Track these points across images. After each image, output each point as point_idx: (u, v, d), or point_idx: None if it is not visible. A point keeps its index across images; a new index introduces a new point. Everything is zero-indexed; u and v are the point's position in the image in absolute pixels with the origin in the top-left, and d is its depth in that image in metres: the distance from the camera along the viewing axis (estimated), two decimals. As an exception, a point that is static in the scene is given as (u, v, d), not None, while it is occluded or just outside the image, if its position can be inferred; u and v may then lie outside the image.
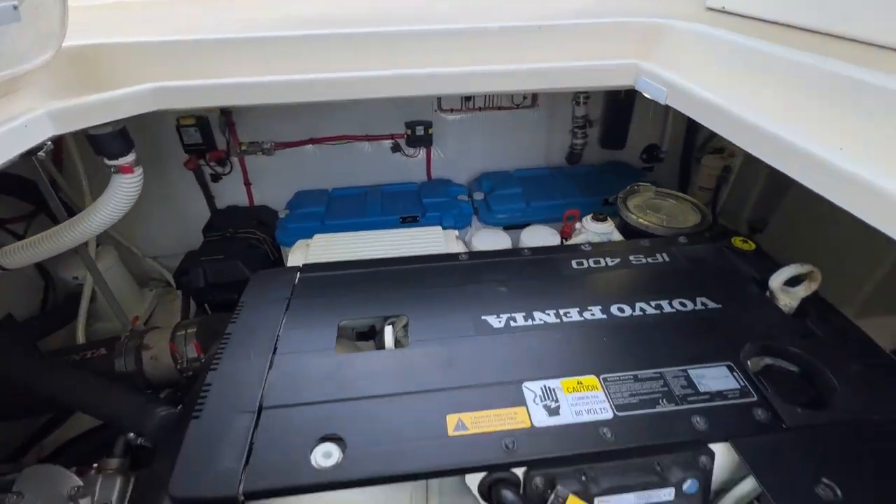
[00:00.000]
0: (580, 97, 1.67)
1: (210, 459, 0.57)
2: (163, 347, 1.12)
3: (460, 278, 0.87)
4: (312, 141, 1.69)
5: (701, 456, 0.60)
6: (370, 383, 0.67)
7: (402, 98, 1.63)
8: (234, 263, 1.41)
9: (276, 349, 0.73)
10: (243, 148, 1.65)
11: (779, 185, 1.50)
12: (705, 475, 0.60)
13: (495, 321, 0.77)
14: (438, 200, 1.60)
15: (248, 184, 1.74)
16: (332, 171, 1.75)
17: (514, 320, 0.77)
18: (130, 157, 0.93)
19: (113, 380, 1.08)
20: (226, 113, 1.58)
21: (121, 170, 0.92)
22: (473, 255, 0.95)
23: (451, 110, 1.70)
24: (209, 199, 1.73)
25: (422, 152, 1.78)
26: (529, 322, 0.77)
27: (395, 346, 0.77)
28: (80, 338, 1.45)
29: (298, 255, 1.01)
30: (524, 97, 1.70)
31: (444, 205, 1.57)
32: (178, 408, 0.90)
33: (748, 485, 0.59)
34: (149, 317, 1.75)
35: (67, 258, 1.54)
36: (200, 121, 1.55)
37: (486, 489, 0.59)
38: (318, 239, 1.05)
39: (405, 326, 0.79)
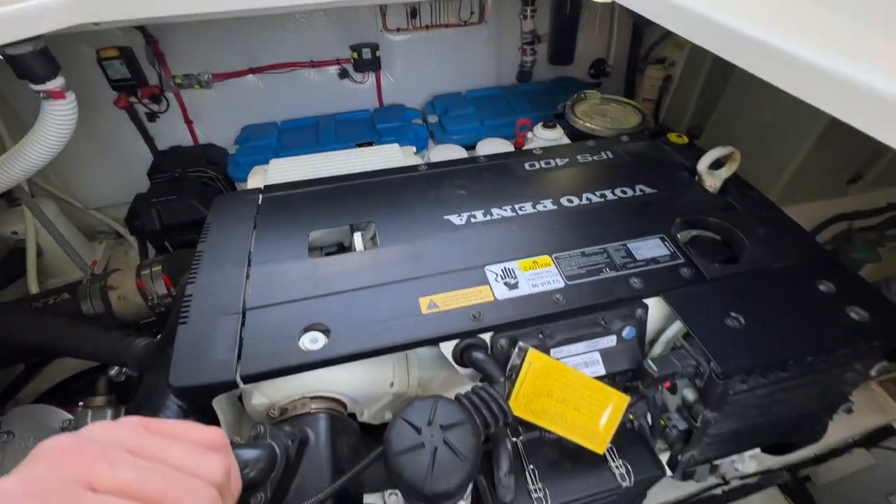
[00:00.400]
0: (527, 10, 1.65)
1: (204, 354, 0.62)
2: (129, 286, 1.12)
3: (421, 186, 0.91)
4: (253, 70, 1.60)
5: (637, 309, 0.71)
6: (346, 280, 0.72)
7: (343, 9, 1.55)
8: (188, 203, 1.38)
9: (250, 261, 0.76)
10: (178, 81, 1.54)
11: (713, 93, 1.59)
12: (641, 324, 0.72)
13: (457, 219, 0.83)
14: (393, 125, 1.59)
15: (189, 122, 1.65)
16: (278, 102, 1.68)
17: (475, 217, 0.83)
18: (59, 81, 0.86)
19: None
20: (151, 41, 1.46)
21: (52, 95, 0.86)
22: (432, 165, 0.98)
23: (398, 30, 1.64)
24: (148, 140, 1.64)
25: (371, 78, 1.73)
26: (488, 217, 0.83)
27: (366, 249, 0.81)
28: (34, 291, 1.40)
29: (257, 179, 1.00)
30: (471, 12, 1.66)
31: (399, 129, 1.57)
32: (158, 337, 0.93)
33: (675, 327, 0.71)
34: (104, 269, 1.70)
35: (2, 211, 1.44)
36: (124, 52, 1.42)
37: (459, 354, 0.67)
38: (276, 163, 1.04)
39: (373, 238, 0.84)
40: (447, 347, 0.68)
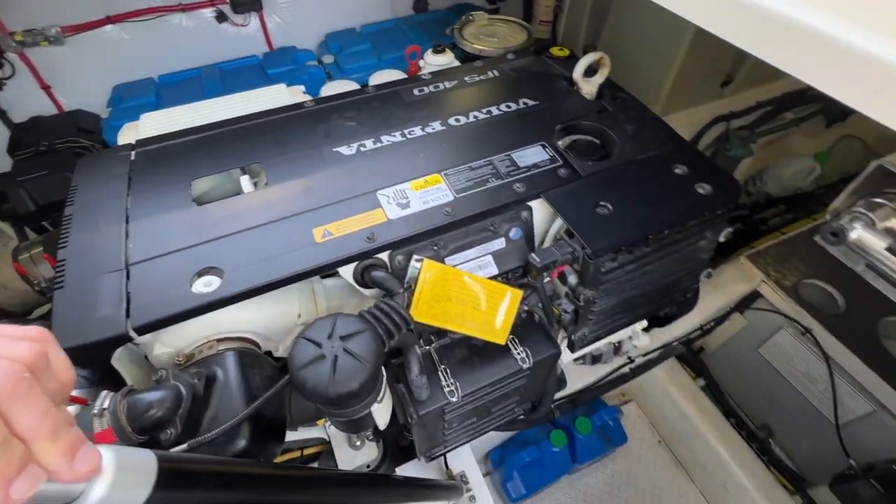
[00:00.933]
0: (412, -68, 1.56)
1: (88, 313, 0.59)
2: (8, 274, 1.02)
3: (309, 122, 0.89)
4: (111, 19, 1.41)
5: (522, 211, 0.77)
6: (236, 222, 0.71)
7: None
8: (63, 177, 1.24)
9: (128, 218, 0.72)
10: (18, 39, 1.33)
11: (602, 12, 1.64)
12: (527, 225, 0.78)
13: (346, 150, 0.83)
14: (285, 70, 1.50)
15: (46, 87, 1.45)
16: (150, 56, 1.51)
17: (364, 146, 0.83)
18: None
19: (-41, 318, 0.98)
20: (-29, -9, 1.23)
21: None
22: (319, 100, 0.95)
23: (274, -39, 1.50)
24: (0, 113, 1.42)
25: (254, 20, 1.59)
26: (378, 145, 0.84)
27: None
28: None
29: (128, 136, 0.92)
30: (352, -64, 1.55)
31: (293, 73, 1.48)
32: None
33: (558, 223, 0.78)
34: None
35: None
36: (-62, 8, 1.20)
37: (360, 275, 0.70)
38: (147, 118, 0.96)
39: (262, 179, 0.82)
40: (347, 271, 0.70)
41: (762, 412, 1.44)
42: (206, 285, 0.63)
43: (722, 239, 0.84)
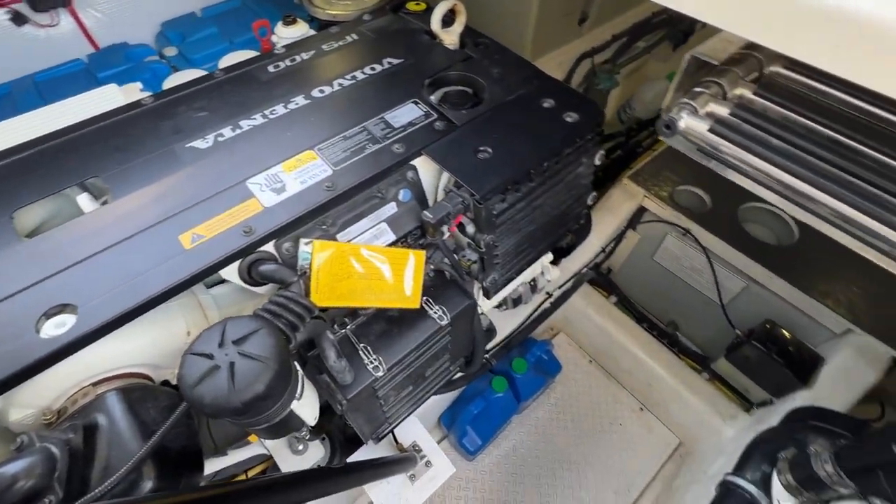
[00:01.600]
0: None
1: None
2: None
3: (151, 120, 0.78)
4: None
5: (407, 172, 0.75)
6: (83, 246, 0.61)
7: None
8: None
9: (-67, 273, 0.58)
10: None
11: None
12: (415, 184, 0.76)
13: (202, 143, 0.74)
14: (120, 70, 1.30)
15: None
16: (-66, 78, 1.23)
17: (222, 135, 0.75)
18: None
19: None
20: None
21: None
22: (160, 95, 0.84)
23: (69, -57, 1.27)
24: None
25: (64, 18, 1.35)
26: (238, 131, 0.76)
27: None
28: None
29: (-84, 176, 0.74)
30: None
31: (130, 72, 1.29)
32: None
33: (445, 176, 0.78)
34: None
35: None
36: None
37: (247, 274, 0.64)
38: (-61, 150, 0.78)
39: (104, 193, 0.71)
40: (232, 273, 0.64)
41: (667, 311, 1.62)
42: (58, 326, 0.54)
43: (597, 162, 0.89)
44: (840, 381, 1.10)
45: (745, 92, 0.53)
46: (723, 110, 0.53)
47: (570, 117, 0.81)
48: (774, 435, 0.87)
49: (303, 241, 0.64)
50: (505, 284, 0.92)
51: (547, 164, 0.78)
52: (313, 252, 0.64)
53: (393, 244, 0.74)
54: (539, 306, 1.37)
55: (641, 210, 1.50)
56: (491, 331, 1.22)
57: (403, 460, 0.93)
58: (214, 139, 0.75)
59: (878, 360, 1.12)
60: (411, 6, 1.06)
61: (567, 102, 0.83)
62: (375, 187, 0.72)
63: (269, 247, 0.65)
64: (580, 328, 1.62)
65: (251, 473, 1.04)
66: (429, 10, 1.05)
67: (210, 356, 0.51)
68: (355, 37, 0.97)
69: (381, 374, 0.70)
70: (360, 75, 0.87)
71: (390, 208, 0.73)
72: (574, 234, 1.09)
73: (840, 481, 0.67)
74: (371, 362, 0.71)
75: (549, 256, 1.09)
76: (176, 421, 0.53)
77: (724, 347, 1.34)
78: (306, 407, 0.65)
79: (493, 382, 1.30)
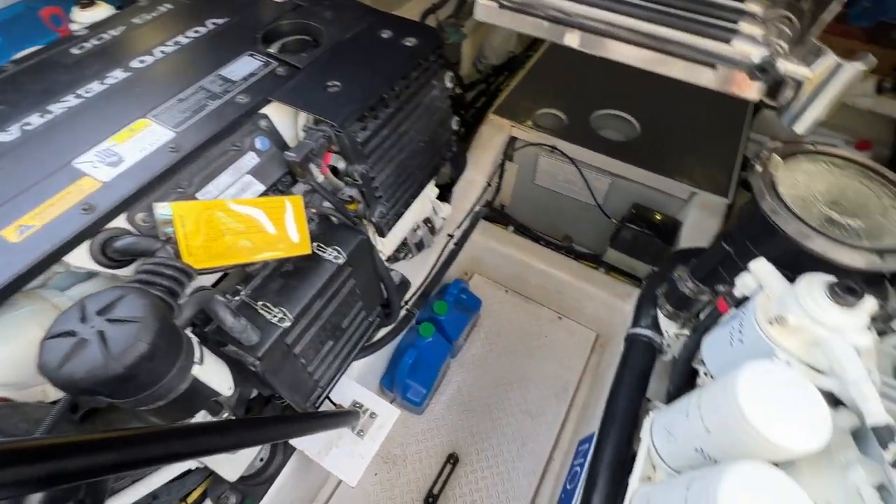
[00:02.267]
0: None
1: None
2: None
3: (-71, 127, 0.66)
4: None
5: (259, 121, 0.73)
6: None
7: None
8: None
9: None
10: None
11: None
12: (271, 132, 0.74)
13: (6, 137, 0.64)
14: None
15: None
16: None
17: (30, 124, 0.66)
18: None
19: None
20: None
21: None
22: (-65, 101, 0.70)
23: None
24: None
25: None
26: (49, 117, 0.67)
27: None
28: None
29: None
30: None
31: None
32: None
33: (302, 117, 0.77)
34: None
35: None
36: None
37: (102, 255, 0.58)
38: None
39: None
40: (82, 258, 0.57)
41: (559, 227, 1.77)
42: None
43: (448, 84, 0.94)
44: (695, 235, 1.31)
45: None
46: None
47: (410, 42, 0.84)
48: (651, 282, 1.02)
49: (156, 205, 0.60)
50: (395, 219, 0.94)
51: (398, 88, 0.80)
52: (173, 215, 0.60)
53: (265, 194, 0.72)
54: (444, 248, 1.42)
55: (512, 140, 1.61)
56: (404, 283, 1.25)
57: (344, 414, 0.93)
58: (20, 129, 0.65)
59: (718, 209, 1.35)
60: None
61: (405, 30, 0.86)
62: (228, 140, 0.69)
63: (121, 221, 0.60)
64: (490, 264, 1.71)
65: (190, 500, 0.96)
66: (246, -30, 1.01)
67: (72, 333, 0.46)
68: (169, 6, 0.90)
69: (287, 324, 0.69)
70: (183, 40, 0.81)
71: (251, 159, 0.71)
72: (451, 165, 1.14)
73: (698, 289, 0.81)
74: (275, 316, 0.69)
75: (435, 191, 1.13)
76: (57, 418, 0.47)
77: (608, 240, 1.51)
78: (213, 373, 0.61)
79: (420, 329, 1.32)
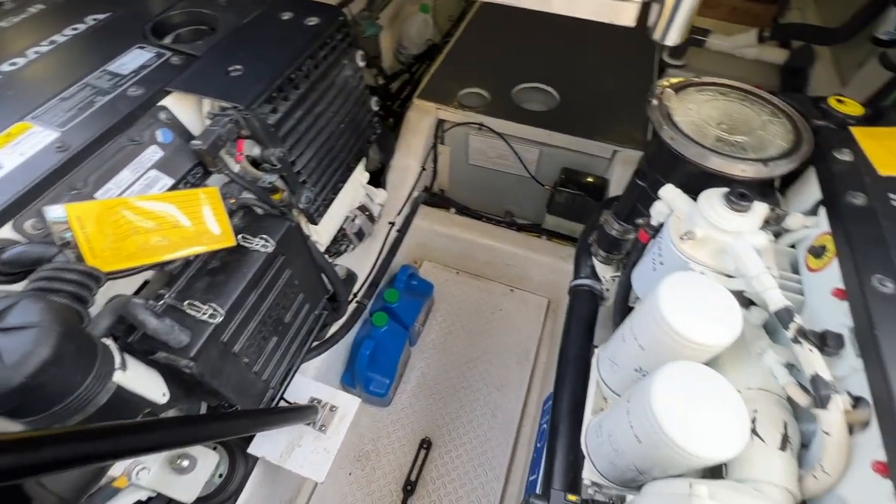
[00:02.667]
0: None
1: None
2: None
3: None
4: None
5: (158, 113, 0.69)
6: None
7: None
8: None
9: None
10: None
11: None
12: (174, 124, 0.70)
13: None
14: None
15: None
16: None
17: None
18: None
19: None
20: None
21: None
22: None
23: None
24: None
25: None
26: None
27: None
28: None
29: None
30: None
31: None
32: None
33: (206, 104, 0.73)
34: None
35: None
36: None
37: (-12, 271, 0.53)
38: None
39: None
40: (-37, 277, 0.51)
41: (499, 202, 1.81)
42: None
43: (360, 63, 0.93)
44: (622, 189, 1.39)
45: None
46: None
47: (311, 21, 0.82)
48: (584, 234, 1.07)
49: (46, 209, 0.55)
50: (326, 205, 0.92)
51: (306, 68, 0.78)
52: (69, 217, 0.55)
53: (174, 188, 0.68)
54: (387, 237, 1.41)
55: (441, 123, 1.62)
56: (351, 276, 1.22)
57: (299, 409, 0.90)
58: None
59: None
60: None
61: (306, 10, 0.84)
62: (124, 135, 0.64)
63: (8, 232, 0.54)
64: (436, 248, 1.72)
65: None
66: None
67: (-45, 351, 0.41)
68: (41, 6, 0.83)
69: (219, 319, 0.65)
70: (60, 38, 0.75)
71: (154, 152, 0.67)
72: (379, 148, 1.13)
73: (624, 229, 0.86)
74: (204, 313, 0.65)
75: (366, 176, 1.12)
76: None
77: (545, 205, 1.56)
78: (142, 379, 0.57)
79: (373, 319, 1.31)
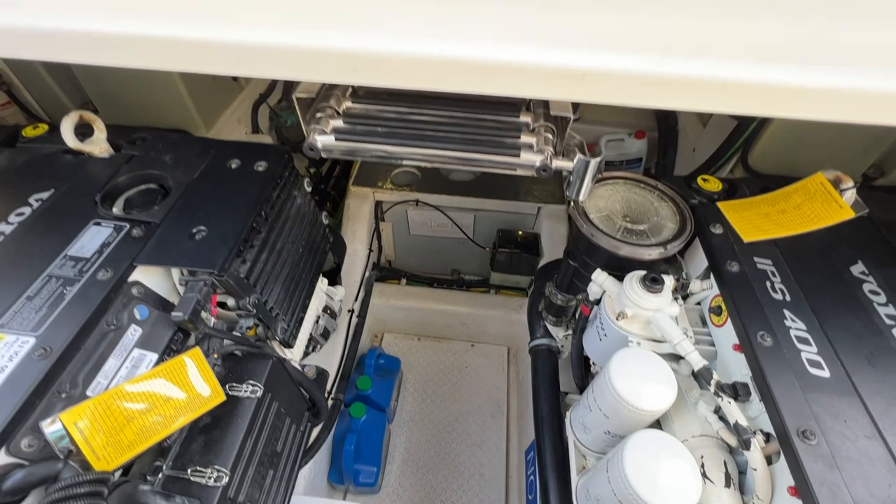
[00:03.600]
0: None
1: None
2: None
3: None
4: None
5: (130, 289, 0.71)
6: None
7: None
8: None
9: None
10: None
11: (68, 73, 1.45)
12: (149, 296, 0.73)
13: None
14: None
15: None
16: None
17: None
18: None
19: None
20: None
21: None
22: None
23: None
24: None
25: None
26: None
27: None
28: None
29: None
30: None
31: None
32: None
33: (174, 273, 0.76)
34: None
35: None
36: None
37: (-11, 505, 0.52)
38: None
39: None
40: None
41: (445, 263, 1.93)
42: None
43: (308, 189, 1.01)
44: (553, 241, 1.57)
45: (348, 103, 0.72)
46: (339, 122, 0.71)
47: (261, 166, 0.89)
48: (533, 300, 1.20)
49: (45, 424, 0.55)
50: (298, 326, 0.96)
51: (264, 213, 0.85)
52: (67, 427, 0.56)
53: (160, 361, 0.70)
54: (349, 325, 1.46)
55: (379, 204, 1.72)
56: (322, 374, 1.25)
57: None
58: None
59: (561, 215, 1.63)
60: (28, 132, 0.95)
61: (252, 155, 0.91)
62: (103, 322, 0.66)
63: (2, 458, 0.54)
64: (395, 320, 1.78)
65: None
66: (54, 129, 0.96)
67: None
68: (-29, 192, 0.81)
69: (226, 480, 0.67)
70: (7, 228, 0.75)
71: (134, 332, 0.69)
72: (333, 253, 1.20)
73: (566, 298, 1.00)
74: (209, 477, 0.67)
75: (325, 281, 1.17)
76: None
77: (489, 263, 1.70)
78: (163, 569, 0.58)
79: (351, 411, 1.33)
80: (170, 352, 0.72)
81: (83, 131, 0.89)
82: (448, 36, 0.46)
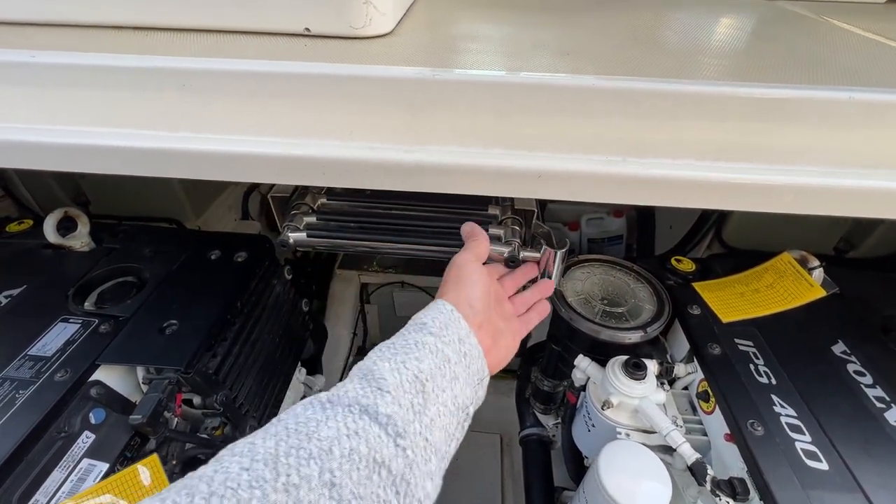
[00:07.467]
0: None
1: None
2: None
3: None
4: None
5: (89, 390, 0.67)
6: None
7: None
8: None
9: None
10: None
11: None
12: (107, 397, 0.69)
13: None
14: None
15: None
16: None
17: None
18: None
19: None
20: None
21: None
22: None
23: None
24: None
25: None
26: None
27: None
28: None
29: None
30: None
31: None
32: None
33: (139, 372, 0.73)
34: None
35: None
36: None
37: None
38: None
39: None
40: None
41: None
42: None
43: (288, 276, 1.01)
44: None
45: (323, 200, 0.76)
46: (312, 219, 0.73)
47: (241, 257, 0.90)
48: (520, 386, 1.16)
49: (-36, 556, 0.49)
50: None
51: (240, 304, 0.84)
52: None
53: (110, 472, 0.64)
54: (330, 416, 1.37)
55: (365, 286, 1.72)
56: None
57: None
58: None
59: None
60: (12, 228, 0.96)
61: (233, 246, 0.92)
62: (53, 429, 0.62)
63: None
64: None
65: None
66: (38, 224, 0.97)
67: None
68: (-60, 290, 0.80)
69: None
70: (-34, 328, 0.73)
71: (86, 439, 0.64)
72: (313, 340, 1.17)
73: (553, 384, 0.97)
74: None
75: (303, 371, 1.13)
76: None
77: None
78: None
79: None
80: (124, 460, 0.66)
81: (68, 225, 0.90)
82: (414, 143, 0.49)
